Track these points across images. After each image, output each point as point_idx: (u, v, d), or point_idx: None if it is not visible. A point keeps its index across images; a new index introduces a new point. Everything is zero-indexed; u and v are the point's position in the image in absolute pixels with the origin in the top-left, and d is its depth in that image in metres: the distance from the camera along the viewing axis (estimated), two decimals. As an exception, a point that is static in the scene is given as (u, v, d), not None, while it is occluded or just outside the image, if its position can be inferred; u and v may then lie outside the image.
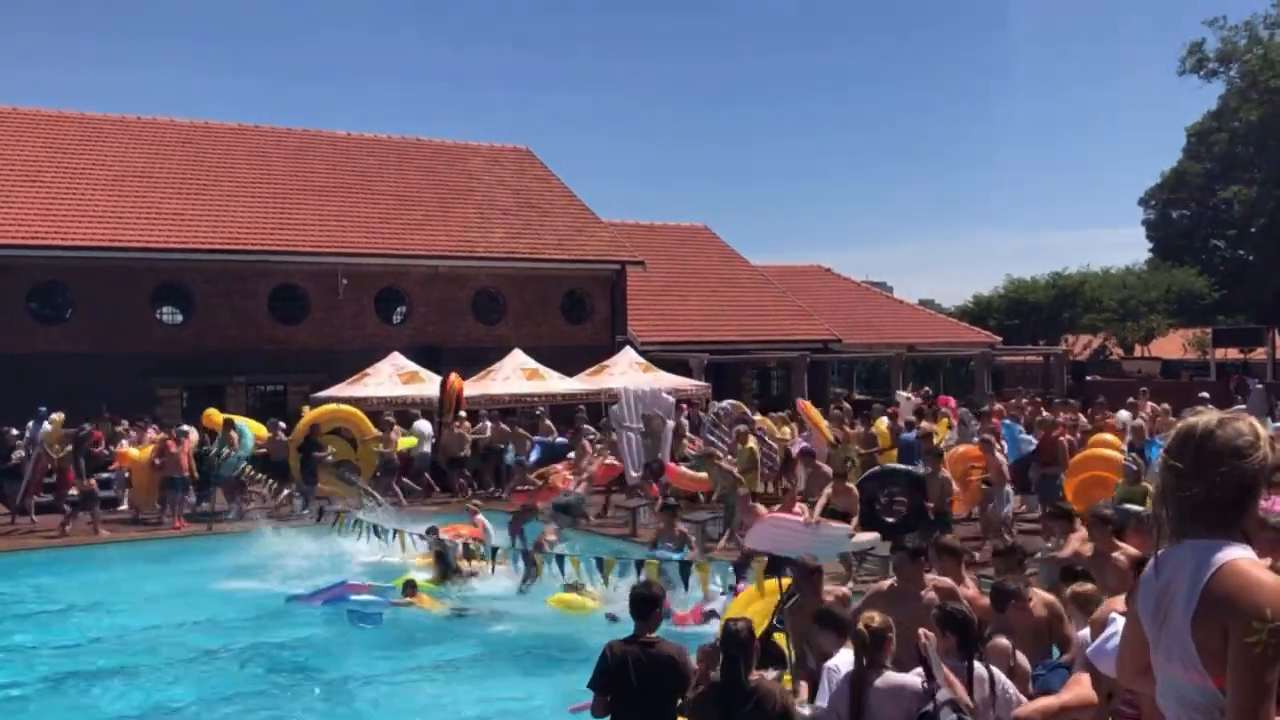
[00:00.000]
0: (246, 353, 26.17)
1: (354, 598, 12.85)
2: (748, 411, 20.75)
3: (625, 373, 25.49)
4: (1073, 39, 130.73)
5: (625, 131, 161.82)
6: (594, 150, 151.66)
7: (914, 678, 5.52)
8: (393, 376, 24.04)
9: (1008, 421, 18.02)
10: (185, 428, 20.60)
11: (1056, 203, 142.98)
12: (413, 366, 24.59)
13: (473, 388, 24.31)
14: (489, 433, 22.40)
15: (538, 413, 23.61)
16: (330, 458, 20.57)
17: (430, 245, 29.03)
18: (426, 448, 22.17)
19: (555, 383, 25.06)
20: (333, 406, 21.65)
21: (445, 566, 14.02)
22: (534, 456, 21.58)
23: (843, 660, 5.80)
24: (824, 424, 19.80)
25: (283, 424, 21.34)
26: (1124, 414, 20.46)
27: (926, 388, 28.94)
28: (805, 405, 20.79)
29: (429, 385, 23.82)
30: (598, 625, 11.44)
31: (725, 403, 22.08)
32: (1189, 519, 2.54)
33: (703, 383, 27.06)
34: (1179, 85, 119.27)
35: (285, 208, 28.42)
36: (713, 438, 20.43)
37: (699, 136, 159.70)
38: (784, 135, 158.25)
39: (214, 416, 21.13)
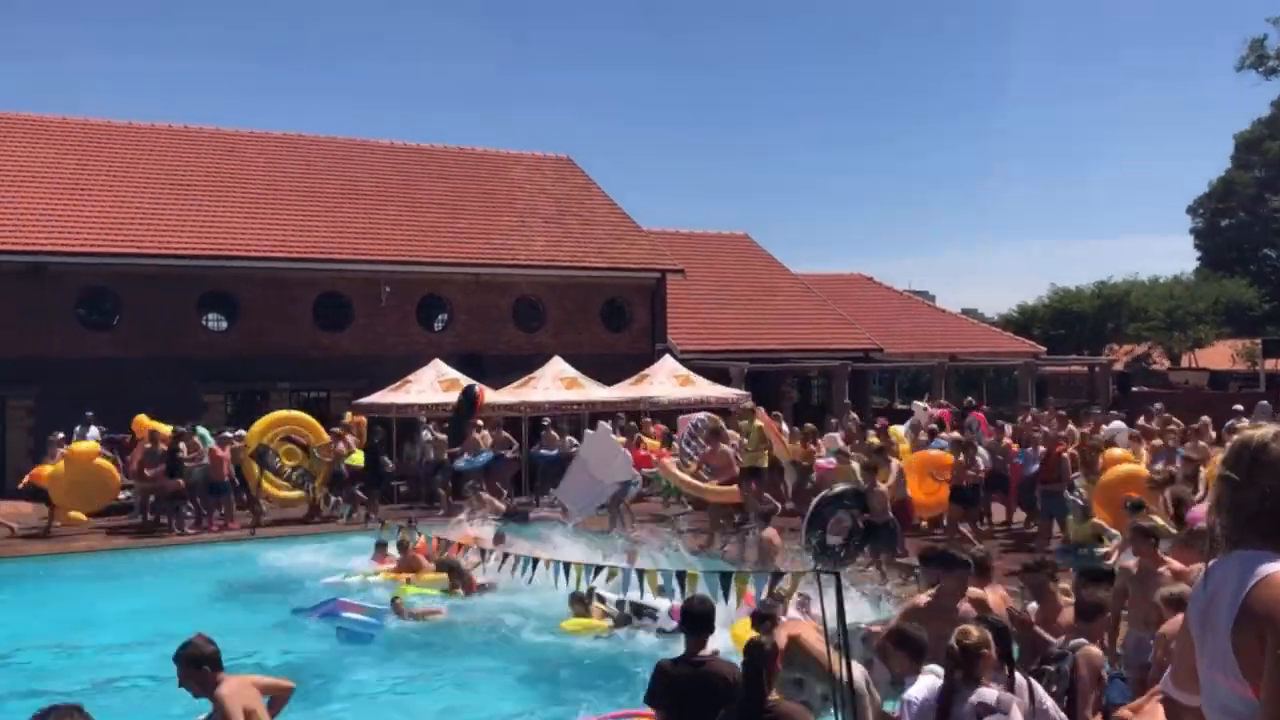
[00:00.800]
0: (290, 359, 26.42)
1: (345, 615, 12.64)
2: (722, 424, 20.30)
3: (664, 382, 25.51)
4: (1117, 45, 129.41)
5: (666, 141, 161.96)
6: (635, 159, 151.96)
7: (1007, 693, 5.47)
8: (434, 383, 24.16)
9: (1028, 451, 17.41)
10: (230, 433, 20.81)
11: (1102, 211, 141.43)
12: (454, 374, 24.70)
13: (512, 395, 24.43)
14: (489, 442, 22.16)
15: (545, 423, 23.29)
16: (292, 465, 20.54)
17: (472, 253, 29.21)
18: (431, 455, 22.17)
19: (594, 391, 25.10)
20: (286, 412, 21.30)
21: (457, 577, 13.93)
22: (481, 460, 21.30)
23: (920, 690, 5.65)
24: (783, 436, 19.36)
25: (241, 431, 20.88)
26: (1116, 424, 19.96)
27: (969, 398, 28.67)
28: (763, 415, 20.03)
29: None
30: (598, 643, 11.39)
31: (700, 415, 21.57)
32: (1243, 529, 2.61)
33: (743, 391, 26.98)
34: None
35: (329, 216, 28.70)
36: (689, 449, 20.22)
37: (740, 145, 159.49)
38: (825, 143, 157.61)
39: (143, 423, 20.75)
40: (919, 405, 21.66)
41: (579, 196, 33.75)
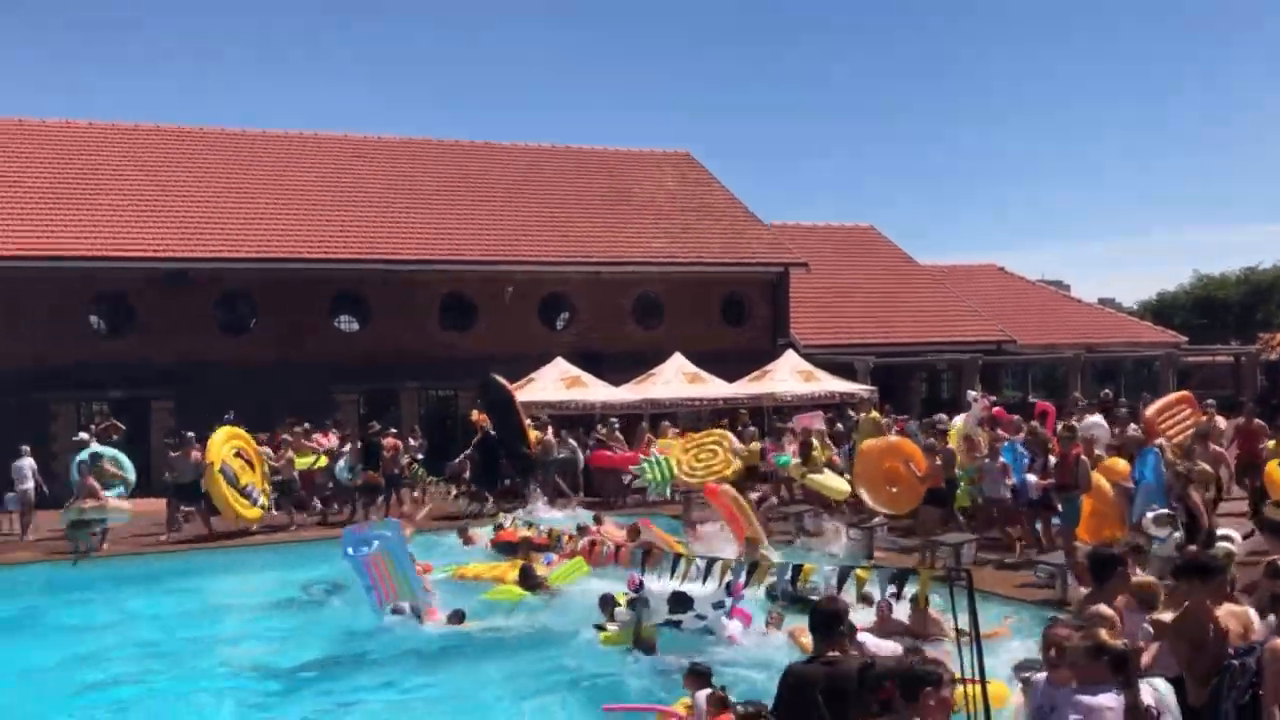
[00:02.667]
0: (418, 359, 26.91)
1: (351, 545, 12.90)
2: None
3: (786, 377, 25.24)
4: (1254, 27, 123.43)
5: (790, 134, 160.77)
6: (758, 154, 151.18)
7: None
8: (556, 381, 24.38)
9: (1010, 442, 16.18)
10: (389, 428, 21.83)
11: (1248, 195, 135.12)
12: (575, 371, 24.87)
13: (633, 391, 24.45)
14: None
15: (542, 419, 22.66)
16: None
17: (592, 252, 29.34)
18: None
19: (716, 386, 24.96)
20: (232, 429, 19.63)
21: (530, 581, 13.67)
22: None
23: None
24: (748, 510, 15.96)
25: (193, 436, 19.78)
26: (1093, 419, 18.31)
27: (1107, 390, 27.65)
28: (717, 492, 16.11)
29: (590, 390, 24.08)
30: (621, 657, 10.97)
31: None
32: None
33: (868, 386, 26.52)
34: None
35: (454, 218, 29.17)
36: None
37: (866, 135, 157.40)
38: (954, 132, 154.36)
39: None
40: (972, 395, 20.46)
41: (699, 192, 33.61)
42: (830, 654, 5.97)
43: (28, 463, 19.54)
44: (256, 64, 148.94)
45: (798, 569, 10.60)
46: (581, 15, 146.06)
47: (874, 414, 18.54)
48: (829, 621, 6.12)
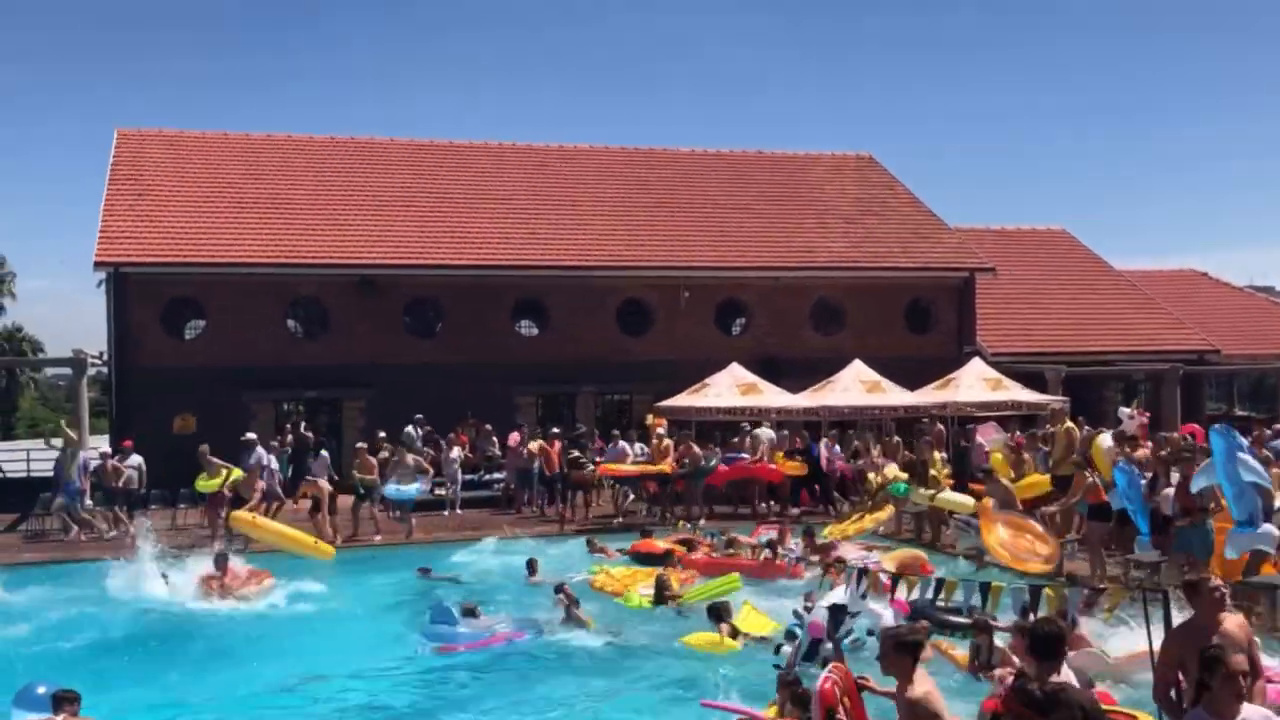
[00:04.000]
0: (595, 363, 27.18)
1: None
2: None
3: (972, 386, 24.36)
4: None
5: (977, 135, 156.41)
6: (944, 155, 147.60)
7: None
8: (731, 387, 24.17)
9: (1122, 465, 14.45)
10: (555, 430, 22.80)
11: None
12: (751, 378, 24.61)
13: (810, 399, 24.03)
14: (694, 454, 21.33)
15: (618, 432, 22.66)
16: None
17: (769, 257, 29.09)
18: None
19: (896, 395, 24.30)
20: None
21: (664, 594, 13.51)
22: (409, 492, 19.46)
23: None
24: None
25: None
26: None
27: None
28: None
29: (766, 396, 23.81)
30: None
31: None
32: None
33: (1060, 397, 25.35)
34: None
35: (632, 224, 29.38)
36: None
37: (1058, 137, 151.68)
38: (1152, 130, 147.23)
39: None
40: (1125, 412, 19.30)
41: (881, 195, 32.89)
42: (1053, 681, 5.57)
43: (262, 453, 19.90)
44: (443, 76, 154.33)
45: (986, 589, 10.13)
46: (762, 18, 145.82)
47: (1068, 424, 17.58)
48: (1049, 643, 5.71)
